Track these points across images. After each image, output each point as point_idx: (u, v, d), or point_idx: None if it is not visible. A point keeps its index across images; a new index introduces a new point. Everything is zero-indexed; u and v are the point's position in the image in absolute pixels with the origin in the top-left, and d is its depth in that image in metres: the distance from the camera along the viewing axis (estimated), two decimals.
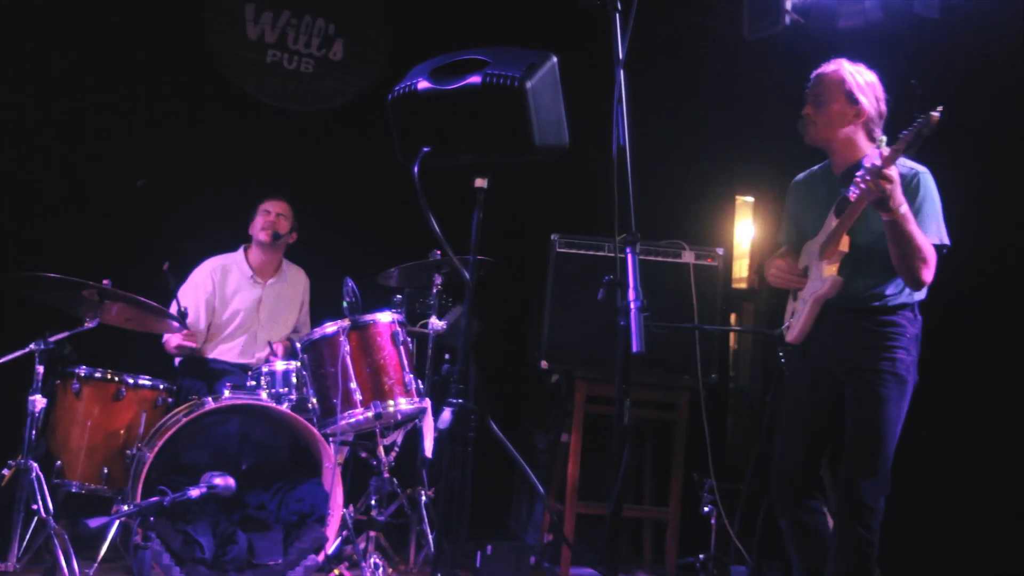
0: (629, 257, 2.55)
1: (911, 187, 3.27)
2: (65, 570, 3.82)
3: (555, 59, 2.58)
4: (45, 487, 3.91)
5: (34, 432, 3.92)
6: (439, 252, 4.63)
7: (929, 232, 3.23)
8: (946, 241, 3.30)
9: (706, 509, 4.73)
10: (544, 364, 4.77)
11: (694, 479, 4.89)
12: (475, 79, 2.52)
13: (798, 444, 3.49)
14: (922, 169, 3.35)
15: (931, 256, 3.20)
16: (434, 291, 4.70)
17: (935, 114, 3.01)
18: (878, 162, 3.05)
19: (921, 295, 3.38)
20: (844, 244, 3.34)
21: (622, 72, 2.62)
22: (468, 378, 2.56)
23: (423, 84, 2.59)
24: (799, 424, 3.50)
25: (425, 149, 2.60)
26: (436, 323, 4.63)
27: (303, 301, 5.09)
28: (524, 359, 5.82)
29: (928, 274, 3.21)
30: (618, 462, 2.53)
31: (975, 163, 4.64)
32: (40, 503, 3.87)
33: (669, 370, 4.75)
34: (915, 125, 3.04)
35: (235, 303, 4.89)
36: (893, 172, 3.06)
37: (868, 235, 3.31)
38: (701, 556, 4.91)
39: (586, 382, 4.76)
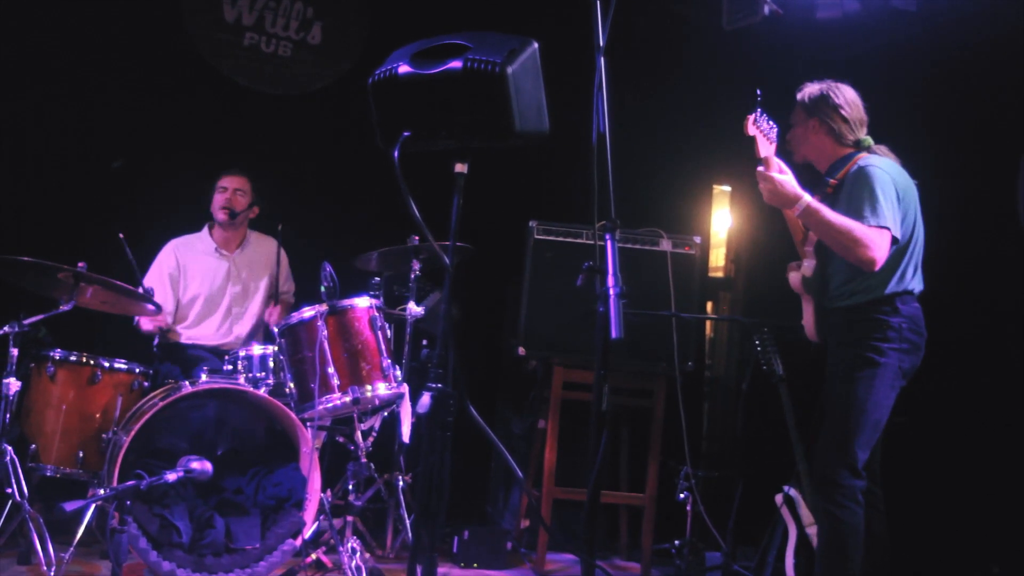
0: (608, 244, 2.56)
1: (854, 179, 3.44)
2: (40, 554, 3.80)
3: (536, 45, 2.58)
4: (20, 471, 3.89)
5: (8, 415, 3.89)
6: (417, 237, 4.63)
7: (861, 216, 3.34)
8: (886, 225, 3.34)
9: (682, 495, 4.77)
10: (521, 351, 4.79)
11: (670, 466, 4.93)
12: (456, 64, 2.51)
13: None
14: (871, 161, 3.48)
15: (866, 236, 3.30)
16: (412, 276, 4.70)
17: (749, 116, 3.41)
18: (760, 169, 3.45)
19: (900, 287, 3.46)
20: (810, 242, 3.64)
21: (603, 59, 2.63)
22: (447, 363, 2.57)
23: (404, 68, 2.58)
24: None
25: (405, 134, 2.60)
26: (414, 308, 4.63)
27: (275, 265, 4.97)
28: (501, 345, 5.84)
29: (869, 252, 3.30)
30: (596, 447, 2.54)
31: (950, 154, 4.69)
32: (15, 487, 3.85)
33: (646, 358, 4.78)
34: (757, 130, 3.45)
35: (201, 276, 4.87)
36: (771, 173, 3.41)
37: None
38: (677, 542, 4.96)
39: (563, 368, 4.78)
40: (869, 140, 3.60)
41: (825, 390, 3.59)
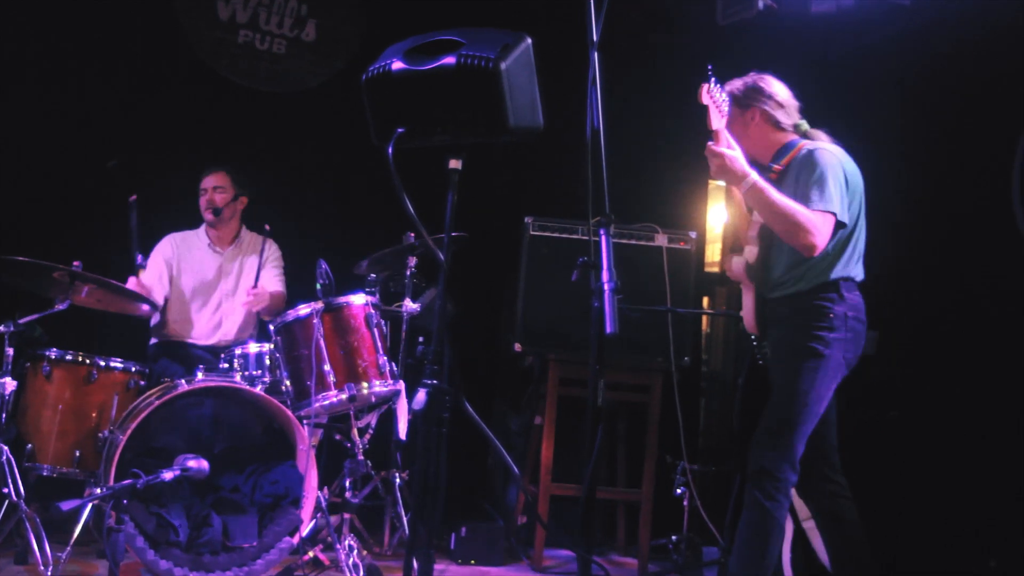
0: (603, 239, 2.57)
1: (804, 162, 3.38)
2: (37, 554, 3.80)
3: (530, 40, 2.58)
4: (16, 470, 3.88)
5: (4, 415, 3.89)
6: (413, 234, 4.63)
7: (808, 199, 3.28)
8: (831, 209, 3.28)
9: (679, 491, 4.78)
10: (518, 347, 4.79)
11: (667, 461, 4.93)
12: (449, 60, 2.52)
13: None
14: (820, 146, 3.42)
15: (809, 220, 3.24)
16: (408, 273, 4.70)
17: (704, 84, 3.29)
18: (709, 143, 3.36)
19: (844, 273, 3.39)
20: (753, 227, 3.56)
21: (596, 54, 2.63)
22: (443, 359, 2.57)
23: (397, 65, 2.58)
24: None
25: (399, 130, 2.60)
26: (410, 305, 4.63)
27: (276, 258, 4.97)
28: (498, 342, 5.84)
29: (811, 238, 3.23)
30: (592, 443, 2.54)
31: (944, 147, 4.70)
32: (11, 487, 3.84)
33: (642, 353, 4.78)
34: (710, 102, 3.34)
35: (194, 269, 4.87)
36: (720, 148, 3.31)
37: None
38: (674, 537, 4.97)
39: (560, 364, 4.78)
40: (805, 124, 3.55)
41: (770, 380, 3.50)
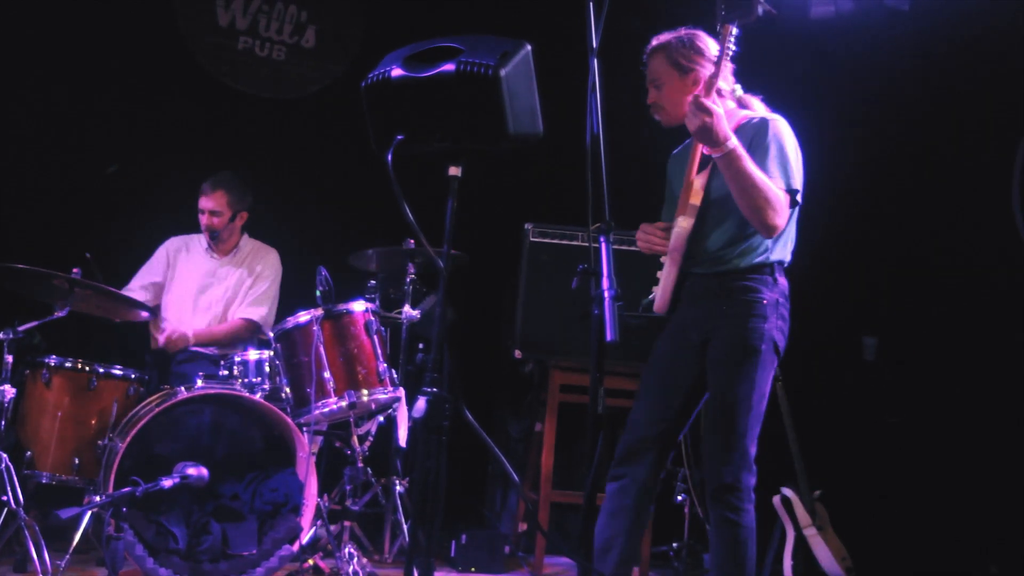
0: (603, 246, 2.56)
1: (758, 132, 3.16)
2: (36, 562, 3.79)
3: (529, 47, 2.58)
4: (15, 478, 3.87)
5: (3, 422, 3.88)
6: (412, 240, 4.63)
7: (773, 175, 3.07)
8: (795, 187, 3.10)
9: (679, 498, 4.77)
10: (518, 353, 4.78)
11: (667, 468, 4.92)
12: (449, 67, 2.51)
13: (648, 415, 3.36)
14: (775, 117, 3.21)
15: (776, 199, 3.03)
16: (408, 280, 4.70)
17: (729, 25, 3.06)
18: (698, 93, 3.08)
19: (780, 256, 3.19)
20: (695, 196, 3.22)
21: (596, 61, 2.63)
22: (443, 367, 2.56)
23: (396, 72, 2.58)
24: (653, 396, 3.37)
25: (399, 137, 2.60)
26: (410, 312, 4.63)
27: (266, 276, 4.92)
28: (498, 348, 5.83)
29: (776, 217, 3.02)
30: (592, 451, 2.54)
31: (945, 150, 4.70)
32: (10, 494, 3.83)
33: (643, 359, 4.74)
34: (720, 49, 3.09)
35: (190, 274, 4.85)
36: (711, 103, 3.01)
37: (722, 189, 3.16)
38: (675, 544, 4.96)
39: (560, 371, 4.78)
40: (739, 89, 3.33)
41: (666, 356, 3.35)
